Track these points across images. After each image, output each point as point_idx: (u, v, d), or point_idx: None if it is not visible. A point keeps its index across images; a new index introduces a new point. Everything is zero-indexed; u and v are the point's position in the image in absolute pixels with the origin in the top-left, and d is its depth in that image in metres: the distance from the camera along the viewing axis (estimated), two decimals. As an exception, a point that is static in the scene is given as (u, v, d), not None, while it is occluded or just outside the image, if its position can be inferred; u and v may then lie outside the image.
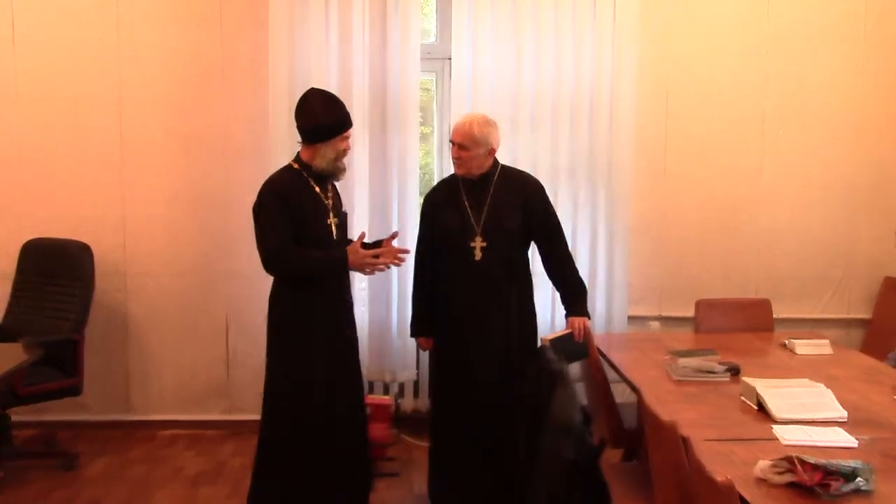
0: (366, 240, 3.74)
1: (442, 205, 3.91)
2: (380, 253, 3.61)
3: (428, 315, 3.98)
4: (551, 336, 3.77)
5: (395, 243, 3.74)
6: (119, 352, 5.07)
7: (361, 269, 3.64)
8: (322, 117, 3.54)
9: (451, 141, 3.83)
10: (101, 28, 4.92)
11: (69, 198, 4.99)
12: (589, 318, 3.93)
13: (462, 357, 3.82)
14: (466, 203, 3.84)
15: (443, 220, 3.87)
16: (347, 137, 3.61)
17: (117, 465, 4.60)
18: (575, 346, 3.81)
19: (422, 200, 4.19)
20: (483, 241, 3.78)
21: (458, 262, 3.82)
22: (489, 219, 3.80)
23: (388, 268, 3.76)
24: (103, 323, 4.98)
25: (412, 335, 4.10)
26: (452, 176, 4.00)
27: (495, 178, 3.86)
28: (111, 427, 5.05)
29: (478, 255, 3.78)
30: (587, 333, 3.86)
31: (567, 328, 3.86)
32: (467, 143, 3.76)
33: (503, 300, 3.81)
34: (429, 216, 3.98)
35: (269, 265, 3.51)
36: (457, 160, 3.81)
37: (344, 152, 3.60)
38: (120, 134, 4.97)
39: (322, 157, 3.55)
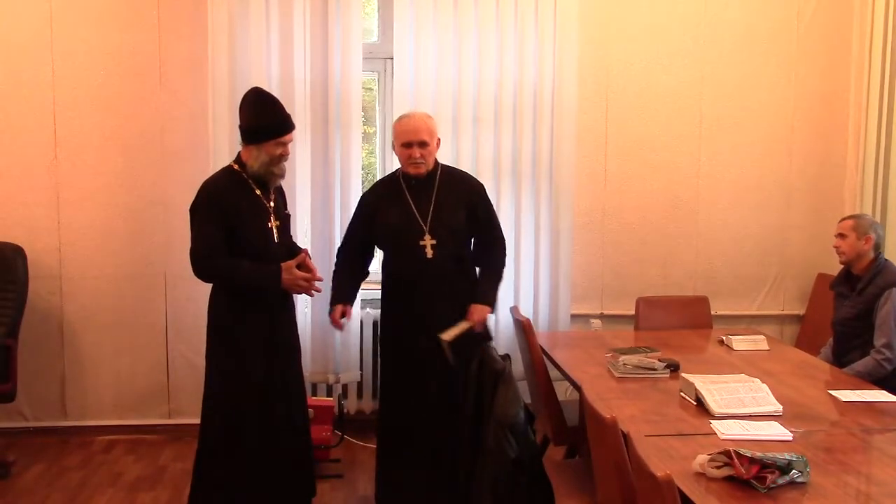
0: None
1: (385, 204, 3.87)
2: (311, 277, 3.54)
3: (350, 286, 3.93)
4: (450, 336, 3.65)
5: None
6: (54, 356, 4.94)
7: (291, 290, 3.55)
8: (254, 119, 3.45)
9: (406, 143, 3.74)
10: (33, 24, 4.79)
11: (1, 199, 4.85)
12: (492, 309, 3.87)
13: (416, 356, 3.77)
14: (411, 202, 3.82)
15: (388, 219, 3.83)
16: (284, 143, 3.48)
17: (53, 472, 4.49)
18: (475, 335, 3.73)
19: (358, 200, 4.10)
20: (432, 239, 3.76)
21: (409, 261, 3.78)
22: (436, 217, 3.79)
23: (319, 291, 3.66)
24: (38, 327, 4.85)
25: (332, 303, 3.89)
26: (392, 176, 3.98)
27: (438, 176, 3.86)
28: (46, 433, 4.93)
29: (429, 253, 3.75)
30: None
31: (467, 319, 3.76)
32: (427, 138, 3.75)
33: (456, 297, 3.79)
34: (368, 216, 3.91)
35: (196, 271, 3.44)
36: (420, 160, 3.74)
37: (280, 158, 3.48)
38: (54, 134, 4.85)
39: (255, 160, 3.46)
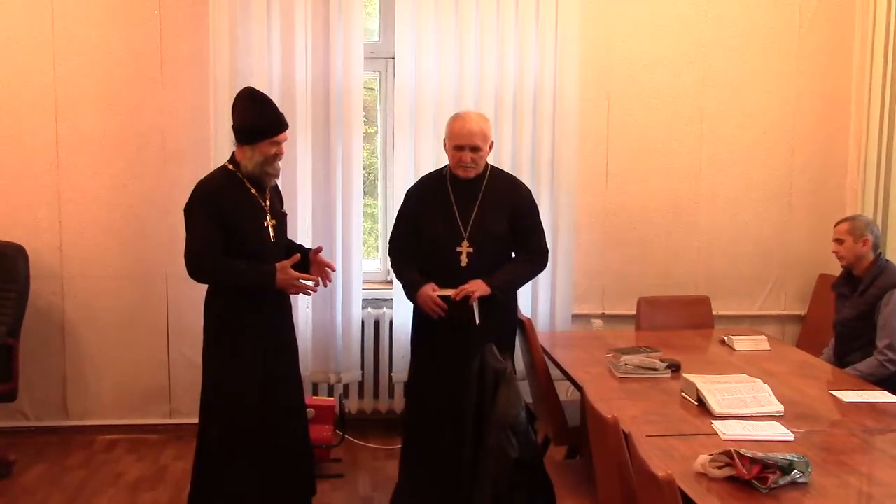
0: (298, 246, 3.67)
1: (429, 205, 3.77)
2: (307, 277, 3.51)
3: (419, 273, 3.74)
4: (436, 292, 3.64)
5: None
6: (55, 356, 4.95)
7: (287, 290, 3.51)
8: (248, 119, 3.43)
9: (458, 146, 3.63)
10: (35, 23, 4.79)
11: (2, 199, 4.85)
12: (492, 294, 3.64)
13: (447, 368, 3.66)
14: (454, 205, 3.73)
15: (429, 222, 3.73)
16: (278, 143, 3.45)
17: (54, 471, 4.49)
18: (453, 306, 3.64)
19: (404, 194, 3.96)
20: (470, 246, 3.68)
21: (443, 267, 3.67)
22: (477, 224, 3.69)
23: (315, 291, 3.63)
24: (39, 327, 4.85)
25: (414, 293, 3.70)
26: (439, 173, 3.87)
27: (486, 179, 3.76)
28: (48, 433, 4.93)
29: (464, 261, 3.67)
30: (467, 297, 3.61)
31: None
32: (481, 143, 3.65)
33: (489, 308, 3.67)
34: (414, 214, 3.81)
35: (191, 272, 3.43)
36: (470, 164, 3.64)
37: (274, 157, 3.46)
38: (55, 133, 4.85)
39: (249, 160, 3.44)
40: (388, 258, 3.95)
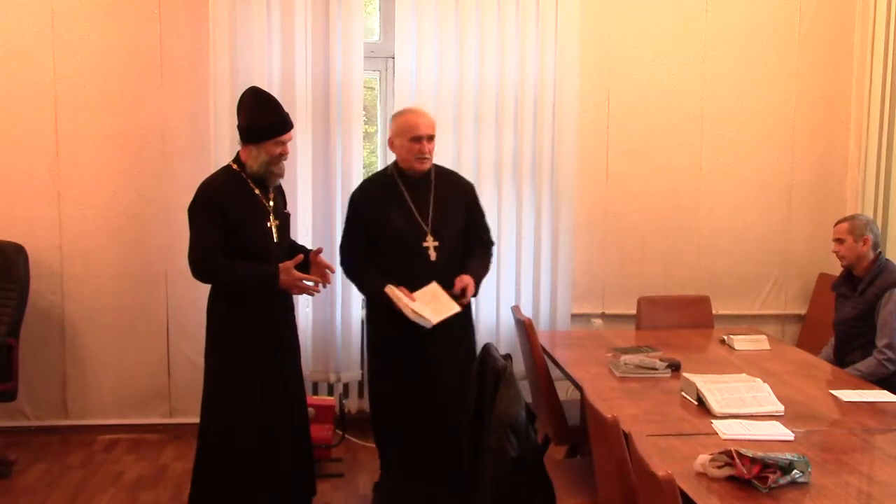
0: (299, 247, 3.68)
1: (383, 205, 3.74)
2: (310, 277, 3.51)
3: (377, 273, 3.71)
4: (438, 320, 3.55)
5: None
6: (55, 355, 4.94)
7: (290, 290, 3.51)
8: (253, 118, 3.43)
9: (416, 138, 3.65)
10: (35, 23, 4.79)
11: (2, 199, 4.85)
12: (475, 284, 3.70)
13: (425, 360, 3.67)
14: (411, 202, 3.74)
15: (389, 220, 3.71)
16: (284, 142, 3.45)
17: (54, 471, 4.49)
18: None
19: (349, 199, 3.91)
20: (435, 240, 3.70)
21: (413, 263, 3.67)
22: (437, 218, 3.72)
23: (318, 291, 3.62)
24: (39, 326, 4.85)
25: (378, 292, 3.63)
26: (384, 173, 3.86)
27: (434, 175, 3.80)
28: (48, 432, 4.93)
29: (433, 255, 3.69)
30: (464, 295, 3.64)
31: (459, 300, 3.62)
32: (434, 133, 3.71)
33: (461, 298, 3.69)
34: (366, 216, 3.76)
35: (194, 273, 3.44)
36: (428, 154, 3.69)
37: (279, 157, 3.46)
38: (55, 133, 4.85)
39: (254, 160, 3.44)
40: (341, 266, 3.90)
